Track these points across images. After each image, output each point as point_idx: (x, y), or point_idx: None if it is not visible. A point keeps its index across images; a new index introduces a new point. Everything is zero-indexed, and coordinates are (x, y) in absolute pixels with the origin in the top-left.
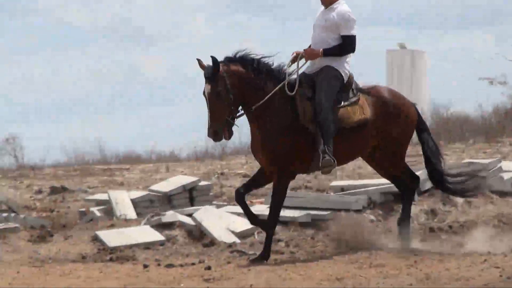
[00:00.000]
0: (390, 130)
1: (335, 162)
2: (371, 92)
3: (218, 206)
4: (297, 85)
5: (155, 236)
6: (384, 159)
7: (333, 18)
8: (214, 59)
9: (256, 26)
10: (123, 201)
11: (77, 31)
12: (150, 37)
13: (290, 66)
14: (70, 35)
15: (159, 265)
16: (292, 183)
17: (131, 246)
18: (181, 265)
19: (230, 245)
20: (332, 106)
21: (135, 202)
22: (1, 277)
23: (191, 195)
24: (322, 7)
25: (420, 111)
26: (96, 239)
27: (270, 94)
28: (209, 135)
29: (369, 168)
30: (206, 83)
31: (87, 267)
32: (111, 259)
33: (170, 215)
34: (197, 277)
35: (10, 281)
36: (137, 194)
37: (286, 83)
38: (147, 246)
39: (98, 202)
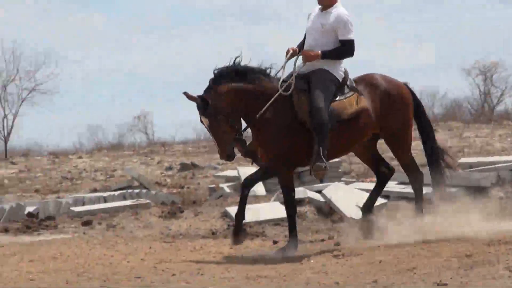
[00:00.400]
0: (389, 117)
1: (327, 167)
2: (365, 80)
3: (347, 183)
4: (294, 83)
5: (285, 212)
6: (390, 147)
7: (331, 22)
8: (201, 97)
9: None
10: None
11: (203, 11)
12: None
13: (286, 63)
14: (197, 14)
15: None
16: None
17: (260, 222)
18: (311, 241)
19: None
20: (327, 108)
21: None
22: (134, 252)
23: None
24: (316, 10)
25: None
26: (226, 215)
27: (273, 99)
28: (222, 158)
29: (498, 145)
30: (201, 116)
31: (217, 243)
32: None
33: (300, 192)
34: (327, 253)
35: (143, 257)
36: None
37: (280, 83)
38: (277, 222)
39: (228, 179)
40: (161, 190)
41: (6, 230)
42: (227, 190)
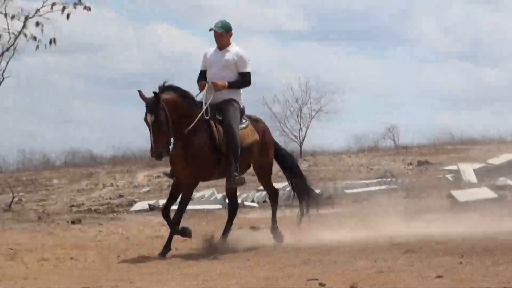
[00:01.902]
0: (268, 152)
1: (244, 180)
2: (257, 121)
3: None
4: (209, 110)
5: (491, 194)
6: (263, 175)
7: (233, 58)
8: (155, 93)
9: None
10: (468, 170)
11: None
12: None
13: (200, 94)
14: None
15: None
16: None
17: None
18: None
19: None
20: (238, 130)
21: (476, 171)
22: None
23: None
24: (212, 50)
25: None
26: (450, 196)
27: (197, 119)
28: (153, 155)
29: None
30: (148, 113)
31: (444, 216)
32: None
33: (501, 180)
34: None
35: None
36: (477, 165)
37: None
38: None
39: (450, 171)
40: (404, 179)
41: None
42: (450, 179)
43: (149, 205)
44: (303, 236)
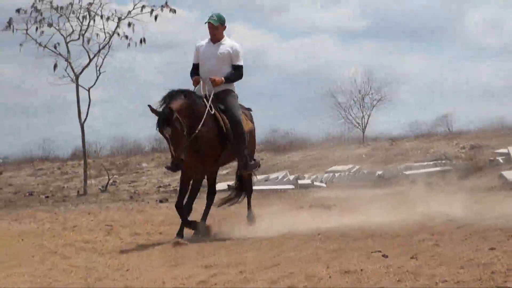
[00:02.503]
0: (255, 141)
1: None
2: (247, 109)
3: None
4: (212, 105)
5: None
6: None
7: (228, 51)
8: (170, 109)
9: None
10: None
11: None
12: None
13: (200, 89)
14: None
15: None
16: None
17: None
18: None
19: None
20: (241, 118)
21: None
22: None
23: None
24: (204, 43)
25: None
26: (500, 176)
27: (204, 117)
28: (173, 166)
29: None
30: (163, 127)
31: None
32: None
33: None
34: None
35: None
36: None
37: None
38: None
39: (501, 154)
40: (458, 161)
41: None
42: (501, 161)
43: (228, 185)
44: (366, 214)
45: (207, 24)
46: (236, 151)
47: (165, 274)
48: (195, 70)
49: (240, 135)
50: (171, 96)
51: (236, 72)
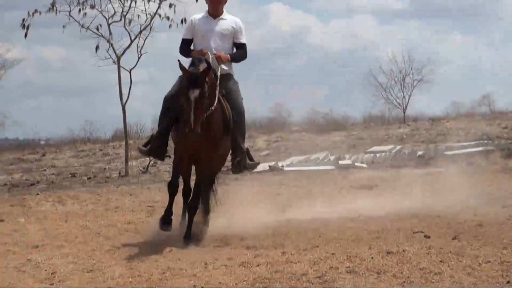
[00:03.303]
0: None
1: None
2: None
3: None
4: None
5: None
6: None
7: (231, 27)
8: (208, 63)
9: None
10: None
11: None
12: None
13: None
14: None
15: None
16: None
17: None
18: None
19: None
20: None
21: None
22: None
23: None
24: (200, 16)
25: None
26: None
27: (217, 95)
28: (195, 131)
29: None
30: (192, 87)
31: None
32: None
33: None
34: None
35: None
36: None
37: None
38: None
39: None
40: (500, 141)
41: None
42: None
43: (269, 166)
44: (407, 195)
45: None
46: (235, 145)
47: (207, 255)
48: (187, 46)
49: (243, 127)
50: (200, 60)
51: (242, 51)
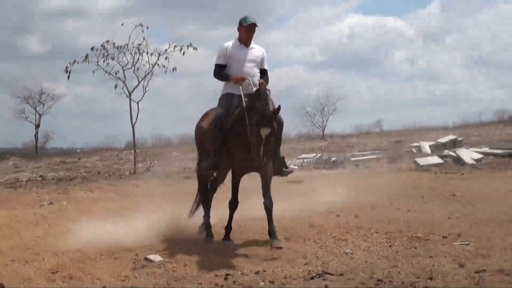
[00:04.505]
0: None
1: None
2: None
3: None
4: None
5: (439, 160)
6: None
7: (261, 55)
8: (275, 110)
9: None
10: (424, 144)
11: None
12: None
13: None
14: None
15: None
16: None
17: (430, 165)
18: None
19: None
20: None
21: (430, 146)
22: None
23: None
24: (232, 44)
25: None
26: (415, 162)
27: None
28: (258, 164)
29: None
30: (263, 125)
31: (410, 172)
32: None
33: (445, 152)
34: None
35: None
36: (431, 142)
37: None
38: None
39: (414, 146)
40: (387, 151)
41: None
42: (415, 151)
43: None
44: (325, 187)
45: (245, 26)
46: (274, 153)
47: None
48: (222, 71)
49: (280, 137)
50: (265, 94)
51: (267, 77)
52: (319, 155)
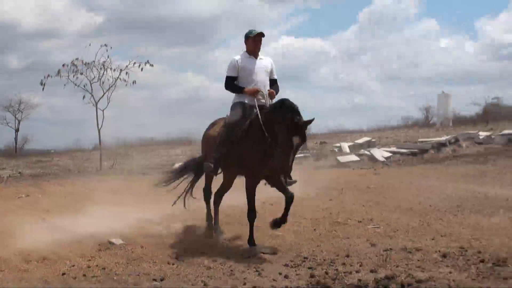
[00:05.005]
0: None
1: None
2: None
3: None
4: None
5: (356, 158)
6: None
7: (270, 66)
8: (307, 122)
9: None
10: (344, 145)
11: None
12: None
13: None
14: None
15: None
16: None
17: (349, 162)
18: None
19: None
20: None
21: (350, 147)
22: None
23: None
24: (242, 56)
25: None
26: (336, 160)
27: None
28: (287, 173)
29: None
30: (296, 135)
31: (332, 169)
32: None
33: (361, 151)
34: None
35: None
36: (350, 143)
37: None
38: None
39: (336, 147)
40: (313, 151)
41: None
42: (336, 151)
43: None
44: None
45: (252, 37)
46: None
47: None
48: (234, 82)
49: None
50: (294, 108)
51: (276, 86)
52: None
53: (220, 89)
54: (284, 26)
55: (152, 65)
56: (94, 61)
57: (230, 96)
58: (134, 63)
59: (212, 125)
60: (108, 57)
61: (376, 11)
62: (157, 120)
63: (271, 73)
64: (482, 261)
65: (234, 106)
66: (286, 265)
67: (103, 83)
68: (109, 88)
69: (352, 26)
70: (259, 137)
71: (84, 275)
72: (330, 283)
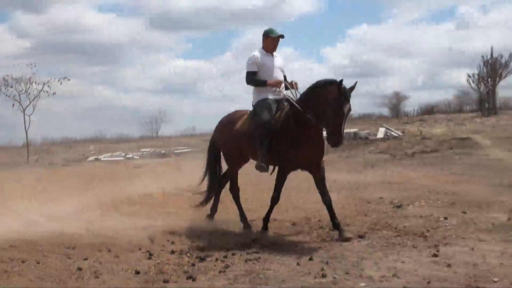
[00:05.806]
0: None
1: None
2: None
3: None
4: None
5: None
6: None
7: (283, 62)
8: (350, 89)
9: None
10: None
11: None
12: None
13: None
14: None
15: None
16: None
17: None
18: None
19: None
20: None
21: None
22: None
23: None
24: (259, 53)
25: None
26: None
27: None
28: (340, 143)
29: None
30: (347, 102)
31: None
32: None
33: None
34: None
35: None
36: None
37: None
38: None
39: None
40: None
41: None
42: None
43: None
44: (163, 172)
45: (272, 37)
46: None
47: None
48: (254, 77)
49: None
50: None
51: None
52: (153, 149)
53: (125, 99)
54: (176, 51)
55: (69, 80)
56: (22, 77)
57: (134, 105)
58: (55, 78)
59: (225, 124)
60: (33, 73)
61: (246, 39)
62: (76, 123)
63: (284, 69)
64: (321, 227)
65: (259, 103)
66: None
67: (29, 94)
68: (34, 98)
69: (227, 52)
70: (296, 127)
71: None
72: None
